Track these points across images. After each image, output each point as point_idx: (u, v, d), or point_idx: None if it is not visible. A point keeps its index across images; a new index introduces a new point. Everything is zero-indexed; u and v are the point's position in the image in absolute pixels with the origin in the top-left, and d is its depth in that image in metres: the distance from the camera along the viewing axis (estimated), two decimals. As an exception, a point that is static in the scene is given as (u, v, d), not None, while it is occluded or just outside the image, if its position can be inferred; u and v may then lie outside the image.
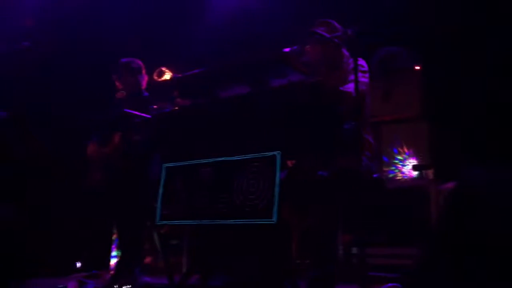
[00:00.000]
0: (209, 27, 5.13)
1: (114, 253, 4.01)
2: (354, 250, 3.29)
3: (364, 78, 2.86)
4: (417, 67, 4.98)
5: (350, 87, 2.84)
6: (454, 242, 1.39)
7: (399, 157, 5.13)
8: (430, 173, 4.38)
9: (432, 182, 4.08)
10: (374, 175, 3.01)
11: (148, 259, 4.20)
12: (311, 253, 2.73)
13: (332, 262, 2.62)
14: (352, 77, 2.89)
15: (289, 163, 2.69)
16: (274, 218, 2.26)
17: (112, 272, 3.61)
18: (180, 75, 2.99)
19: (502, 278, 1.24)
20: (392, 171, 5.16)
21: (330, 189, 2.55)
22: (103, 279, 3.56)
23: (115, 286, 3.20)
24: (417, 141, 4.99)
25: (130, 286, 3.23)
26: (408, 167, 5.03)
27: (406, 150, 5.10)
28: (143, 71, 3.83)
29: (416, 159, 5.00)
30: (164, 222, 2.73)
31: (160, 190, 2.76)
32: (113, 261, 4.01)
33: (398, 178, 5.09)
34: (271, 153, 2.38)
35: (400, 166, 5.12)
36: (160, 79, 3.15)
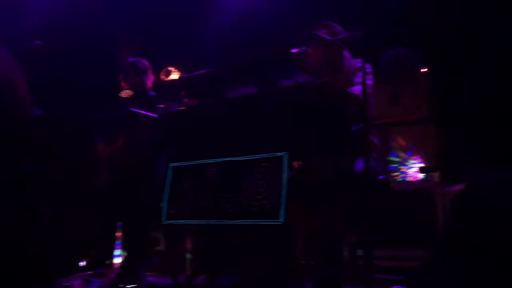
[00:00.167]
0: (217, 27, 5.14)
1: (117, 252, 4.01)
2: (360, 251, 3.27)
3: (369, 81, 2.88)
4: (424, 70, 4.97)
5: (357, 89, 2.85)
6: (461, 244, 1.38)
7: (406, 159, 5.12)
8: (436, 175, 4.37)
9: (438, 185, 4.07)
10: (380, 177, 3.01)
11: (153, 259, 4.20)
12: (317, 254, 2.73)
13: (338, 264, 2.62)
14: (356, 79, 2.91)
15: (296, 164, 2.69)
16: (281, 219, 2.26)
17: (117, 271, 3.62)
18: (187, 75, 3.00)
19: (510, 279, 1.24)
20: (398, 173, 5.15)
21: (337, 190, 2.55)
22: (108, 278, 3.56)
23: (120, 286, 3.20)
24: (423, 143, 4.98)
25: (135, 285, 3.23)
26: (414, 169, 5.02)
27: (412, 152, 5.09)
28: (149, 71, 3.83)
29: (423, 161, 4.99)
30: (170, 221, 2.73)
31: (166, 190, 2.77)
32: (117, 260, 4.01)
33: (404, 180, 5.08)
34: (278, 154, 2.38)
35: (406, 168, 5.11)
36: (167, 79, 3.16)
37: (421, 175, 4.80)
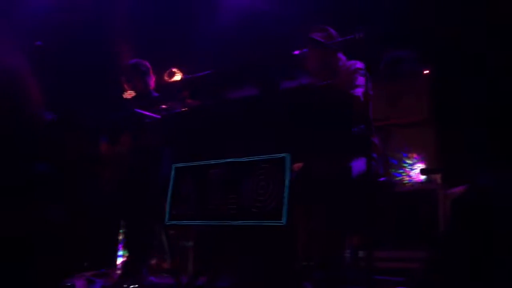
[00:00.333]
0: (220, 28, 5.15)
1: (120, 252, 4.02)
2: (361, 253, 3.28)
3: (369, 82, 2.91)
4: (426, 71, 4.97)
5: (358, 91, 2.87)
6: (465, 244, 1.39)
7: (407, 161, 5.12)
8: (437, 177, 4.37)
9: (439, 186, 4.07)
10: (382, 178, 3.02)
11: (155, 260, 4.21)
12: (318, 255, 2.74)
13: (339, 265, 2.63)
14: (356, 81, 2.94)
15: (297, 165, 2.70)
16: (284, 220, 2.27)
17: (119, 271, 3.63)
18: (190, 76, 3.02)
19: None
20: (400, 175, 5.15)
21: (338, 191, 2.56)
22: (111, 278, 3.57)
23: (123, 286, 3.21)
24: (425, 145, 4.97)
25: (138, 285, 3.25)
26: (415, 171, 5.02)
27: (414, 154, 5.10)
28: (151, 72, 3.85)
29: (424, 163, 4.99)
30: (173, 222, 2.74)
31: (170, 191, 2.78)
32: (119, 261, 4.03)
33: (405, 181, 5.08)
34: (280, 155, 2.39)
35: (407, 169, 5.11)
36: (170, 80, 3.17)
37: (422, 177, 4.80)
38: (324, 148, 2.49)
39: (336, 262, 2.66)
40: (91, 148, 3.48)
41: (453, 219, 1.71)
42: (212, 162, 2.65)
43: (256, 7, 4.99)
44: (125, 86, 3.90)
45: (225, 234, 2.76)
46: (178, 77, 3.08)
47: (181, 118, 2.99)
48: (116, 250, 4.08)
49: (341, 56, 3.16)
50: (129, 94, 3.95)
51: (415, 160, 5.07)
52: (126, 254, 3.68)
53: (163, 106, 3.41)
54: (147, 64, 3.87)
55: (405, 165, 5.13)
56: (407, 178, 5.10)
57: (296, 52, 2.97)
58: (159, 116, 3.23)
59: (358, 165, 2.73)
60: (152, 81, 3.85)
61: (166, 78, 3.29)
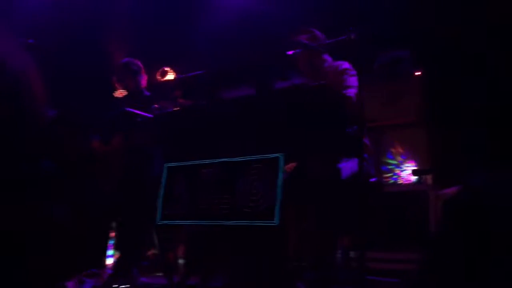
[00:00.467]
0: (213, 28, 5.14)
1: (110, 252, 3.99)
2: (353, 253, 3.28)
3: (355, 82, 2.95)
4: (418, 73, 5.00)
5: (350, 92, 2.88)
6: (458, 244, 1.40)
7: (399, 162, 5.15)
8: (429, 178, 4.39)
9: (431, 187, 4.09)
10: (373, 179, 3.03)
11: (147, 259, 4.19)
12: (309, 255, 2.74)
13: (330, 265, 2.63)
14: (348, 82, 2.96)
15: (290, 165, 2.70)
16: (276, 220, 2.26)
17: (110, 271, 3.61)
18: (183, 75, 3.01)
19: (508, 279, 1.25)
20: (392, 175, 5.17)
21: (330, 191, 2.56)
22: (101, 278, 3.55)
23: (113, 286, 3.19)
24: (417, 146, 5.00)
25: (129, 286, 3.23)
26: (407, 172, 5.04)
27: (405, 155, 5.12)
28: (142, 71, 3.84)
29: (416, 164, 5.02)
30: (165, 222, 2.73)
31: (161, 190, 2.76)
32: (109, 260, 4.00)
33: (397, 182, 5.10)
34: (274, 155, 2.38)
35: (399, 170, 5.13)
36: (163, 79, 3.15)
37: (414, 178, 4.82)
38: (317, 148, 2.49)
39: (328, 263, 2.66)
40: (87, 147, 3.46)
41: (445, 219, 1.71)
42: (205, 161, 2.64)
43: (250, 7, 4.99)
44: (117, 85, 3.88)
45: (217, 234, 2.76)
46: (170, 76, 3.07)
47: (174, 117, 2.98)
48: (107, 250, 4.05)
49: (326, 57, 3.20)
50: (120, 93, 3.93)
51: (406, 161, 5.09)
52: (117, 254, 3.66)
53: (155, 106, 3.39)
54: (139, 63, 3.85)
55: (397, 166, 5.15)
56: (399, 179, 5.12)
57: (289, 52, 2.98)
58: (151, 115, 3.21)
59: (350, 165, 2.73)
60: (143, 80, 3.83)
61: (158, 77, 3.28)
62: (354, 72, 3.02)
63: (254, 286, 2.63)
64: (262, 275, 2.62)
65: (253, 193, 2.38)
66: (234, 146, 2.59)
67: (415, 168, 4.93)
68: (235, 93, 2.73)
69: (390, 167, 5.20)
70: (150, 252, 4.22)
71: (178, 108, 2.99)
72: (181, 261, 3.88)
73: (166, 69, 3.10)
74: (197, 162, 2.68)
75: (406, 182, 5.03)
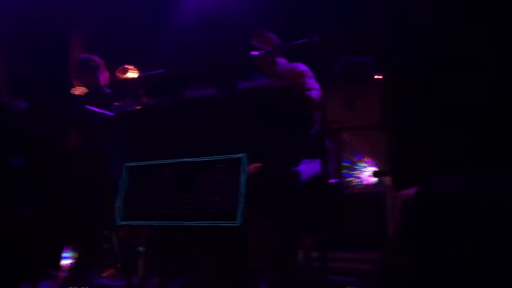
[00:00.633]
0: (179, 28, 5.10)
1: (67, 254, 3.90)
2: (314, 254, 3.33)
3: (314, 84, 3.00)
4: (379, 76, 5.10)
5: (313, 93, 2.93)
6: (416, 244, 1.43)
7: (359, 163, 5.24)
8: (388, 179, 4.49)
9: (390, 189, 4.18)
10: (334, 180, 3.07)
11: (105, 261, 4.11)
12: (271, 256, 2.75)
13: (292, 265, 2.65)
14: (309, 84, 3.01)
15: (253, 166, 2.70)
16: (239, 221, 2.26)
17: (66, 273, 3.51)
18: (146, 74, 2.97)
19: (469, 277, 1.29)
20: (352, 176, 5.25)
21: (292, 192, 2.58)
22: (57, 280, 3.45)
23: (70, 288, 3.11)
24: (377, 148, 5.10)
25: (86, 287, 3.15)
26: (367, 173, 5.14)
27: (365, 157, 5.21)
28: (103, 67, 3.76)
29: (375, 166, 5.12)
30: (125, 223, 2.68)
31: (121, 190, 2.71)
32: (65, 262, 3.91)
33: (357, 183, 5.19)
34: (237, 156, 2.38)
35: (359, 172, 5.22)
36: (123, 77, 3.10)
37: (374, 179, 4.92)
38: (280, 149, 2.50)
39: (289, 263, 2.67)
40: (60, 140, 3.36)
41: (403, 221, 1.75)
42: (167, 161, 2.61)
43: (215, 6, 4.98)
44: (75, 82, 3.79)
45: (178, 235, 2.73)
46: (133, 74, 3.02)
47: (135, 116, 2.93)
48: (64, 251, 3.95)
49: (280, 60, 3.24)
50: (79, 90, 3.84)
51: (367, 163, 5.19)
52: (75, 255, 3.57)
53: (117, 104, 3.33)
54: (98, 59, 3.76)
55: (357, 167, 5.24)
56: (359, 180, 5.21)
57: (254, 52, 2.99)
58: (112, 114, 3.15)
59: (312, 166, 2.76)
60: (104, 77, 3.75)
61: (119, 74, 3.21)
62: (311, 74, 3.09)
63: (215, 287, 2.62)
64: (224, 275, 2.61)
65: (216, 194, 2.37)
66: (196, 146, 2.57)
67: (375, 169, 5.03)
68: (199, 93, 2.71)
69: (350, 168, 5.28)
70: (109, 254, 4.15)
71: (140, 107, 2.94)
72: (140, 262, 3.83)
73: (127, 66, 3.05)
74: (158, 162, 2.64)
75: (366, 183, 5.13)
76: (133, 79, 3.03)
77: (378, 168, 5.05)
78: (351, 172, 5.26)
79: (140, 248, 3.84)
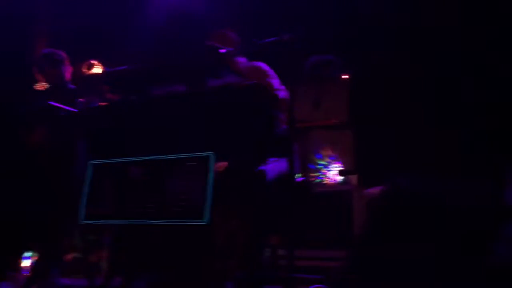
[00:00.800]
0: (148, 24, 5.04)
1: (26, 254, 3.80)
2: (281, 251, 3.34)
3: (277, 85, 3.03)
4: (345, 76, 5.17)
5: (280, 93, 2.94)
6: (381, 244, 1.45)
7: (325, 162, 5.29)
8: (354, 178, 4.55)
9: (355, 187, 4.24)
10: (300, 178, 3.09)
11: (67, 260, 4.03)
12: (237, 254, 2.74)
13: (258, 264, 2.65)
14: (275, 84, 3.02)
15: (220, 164, 2.69)
16: (206, 219, 2.24)
17: (27, 273, 3.42)
18: (111, 69, 2.91)
19: (436, 274, 1.31)
20: (318, 176, 5.30)
21: (258, 191, 2.58)
22: (17, 281, 3.36)
23: (31, 288, 3.03)
24: (343, 147, 5.16)
25: (47, 288, 3.08)
26: (333, 172, 5.19)
27: (332, 156, 5.27)
28: (67, 62, 3.67)
29: (341, 165, 5.18)
30: (89, 221, 2.62)
31: (86, 188, 2.65)
32: (25, 262, 3.81)
33: (323, 182, 5.24)
34: (204, 154, 2.36)
35: (325, 171, 5.27)
36: (89, 72, 3.04)
37: (340, 178, 4.98)
38: (246, 147, 2.49)
39: (256, 261, 2.67)
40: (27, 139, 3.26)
41: (368, 219, 1.77)
42: (133, 159, 2.56)
43: (185, 4, 4.94)
44: (38, 76, 3.69)
45: (143, 234, 2.69)
46: (98, 70, 2.96)
47: (100, 112, 2.87)
48: (24, 251, 3.85)
49: (240, 59, 3.25)
50: (42, 85, 3.74)
51: (333, 162, 5.24)
52: (35, 255, 3.48)
53: (81, 100, 3.26)
54: (62, 54, 3.67)
55: (323, 166, 5.29)
56: (325, 179, 5.26)
57: (223, 50, 2.97)
58: (75, 110, 3.08)
59: (278, 165, 2.77)
60: (68, 72, 3.67)
61: (84, 70, 3.14)
62: (273, 72, 3.13)
63: (182, 286, 2.60)
64: (190, 274, 2.59)
65: (183, 192, 2.35)
66: (163, 144, 2.54)
67: (341, 168, 5.09)
68: (167, 90, 2.68)
69: (317, 167, 5.32)
70: (71, 253, 4.06)
71: (106, 103, 2.88)
72: (104, 262, 3.76)
73: (92, 62, 2.99)
74: (124, 159, 2.59)
75: (332, 182, 5.18)
76: (97, 74, 2.96)
77: (344, 167, 5.11)
78: (318, 171, 5.31)
79: (104, 247, 3.78)
